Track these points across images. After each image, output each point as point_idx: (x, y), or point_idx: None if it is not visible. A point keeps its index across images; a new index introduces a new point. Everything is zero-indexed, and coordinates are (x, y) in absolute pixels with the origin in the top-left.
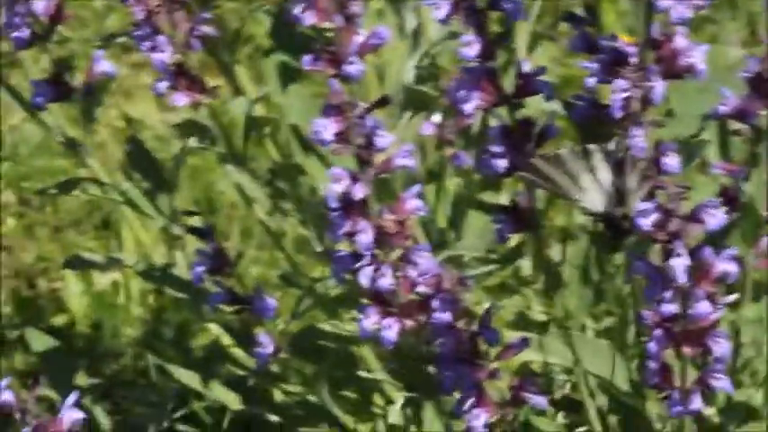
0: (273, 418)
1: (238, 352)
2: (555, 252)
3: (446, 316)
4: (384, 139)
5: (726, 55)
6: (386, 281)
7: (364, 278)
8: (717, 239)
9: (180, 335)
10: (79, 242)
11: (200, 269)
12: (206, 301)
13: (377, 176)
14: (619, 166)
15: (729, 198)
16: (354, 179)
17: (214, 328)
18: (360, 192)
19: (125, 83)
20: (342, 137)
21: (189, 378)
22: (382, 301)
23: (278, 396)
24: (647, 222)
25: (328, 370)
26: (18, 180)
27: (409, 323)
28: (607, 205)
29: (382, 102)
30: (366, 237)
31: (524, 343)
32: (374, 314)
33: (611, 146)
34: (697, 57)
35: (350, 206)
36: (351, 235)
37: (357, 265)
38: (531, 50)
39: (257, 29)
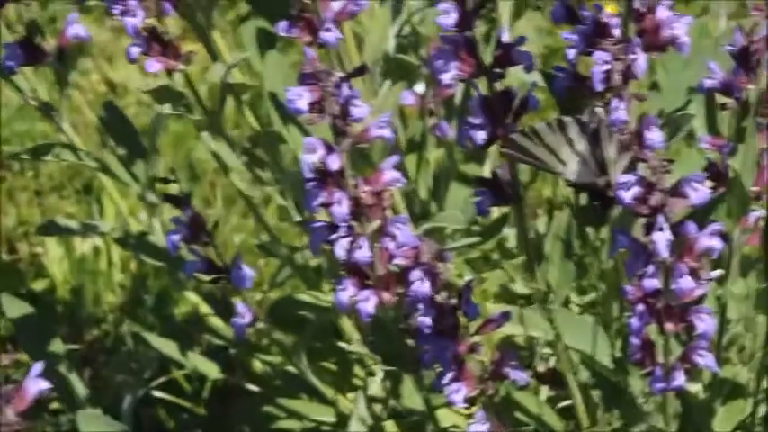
0: (253, 387)
1: (217, 321)
2: (541, 224)
3: (424, 289)
4: (360, 108)
5: (712, 27)
6: (362, 253)
7: (340, 250)
8: (702, 215)
9: (161, 302)
10: (60, 207)
11: (176, 237)
12: (182, 270)
13: (353, 147)
14: (595, 136)
15: (716, 173)
16: (329, 149)
17: (193, 297)
18: (335, 162)
19: (108, 48)
20: (317, 106)
21: (167, 347)
22: (359, 273)
23: (258, 366)
24: (627, 195)
25: (307, 341)
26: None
27: (387, 296)
28: (589, 175)
29: (360, 71)
30: (341, 208)
31: (505, 317)
32: (351, 286)
33: (585, 117)
34: (680, 29)
35: (325, 177)
36: (326, 206)
37: (333, 236)
38: (515, 20)
39: None
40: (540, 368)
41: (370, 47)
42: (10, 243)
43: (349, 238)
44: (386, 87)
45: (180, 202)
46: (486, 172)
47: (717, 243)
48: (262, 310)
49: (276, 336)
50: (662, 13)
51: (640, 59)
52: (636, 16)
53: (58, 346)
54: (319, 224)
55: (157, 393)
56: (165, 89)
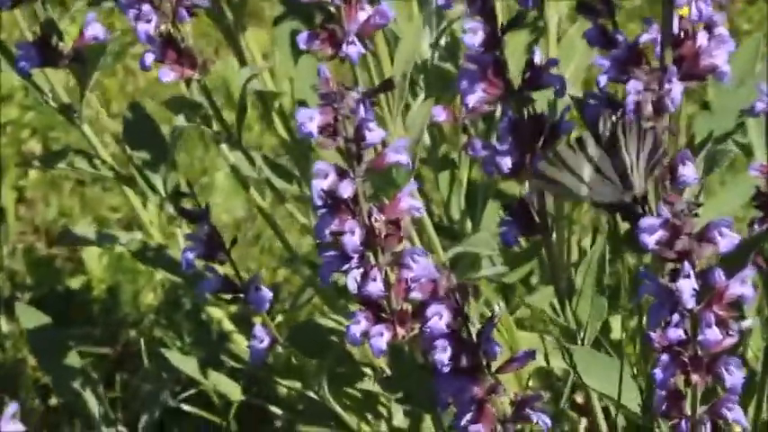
0: (277, 411)
1: (241, 339)
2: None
3: (441, 325)
4: (374, 133)
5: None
6: (375, 286)
7: (352, 282)
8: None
9: (198, 307)
10: (103, 199)
11: (191, 255)
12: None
13: (367, 173)
14: (611, 143)
15: (765, 203)
16: (342, 175)
17: (216, 312)
18: (347, 190)
19: (138, 48)
20: (329, 129)
21: (186, 365)
22: (373, 306)
23: (282, 389)
24: (651, 240)
25: (329, 367)
26: (44, 130)
27: (402, 331)
28: (612, 193)
29: (386, 85)
30: (353, 238)
31: (530, 356)
32: (364, 320)
33: (600, 127)
34: (720, 57)
35: (337, 204)
36: (338, 235)
37: (345, 266)
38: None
39: None
40: (579, 399)
41: (401, 58)
42: (49, 236)
43: (361, 270)
44: (417, 102)
45: (197, 217)
46: (523, 191)
47: (748, 291)
48: (282, 333)
49: (296, 361)
50: (702, 39)
51: (675, 90)
52: (674, 42)
53: (73, 359)
54: (331, 253)
55: (186, 407)
56: (181, 99)
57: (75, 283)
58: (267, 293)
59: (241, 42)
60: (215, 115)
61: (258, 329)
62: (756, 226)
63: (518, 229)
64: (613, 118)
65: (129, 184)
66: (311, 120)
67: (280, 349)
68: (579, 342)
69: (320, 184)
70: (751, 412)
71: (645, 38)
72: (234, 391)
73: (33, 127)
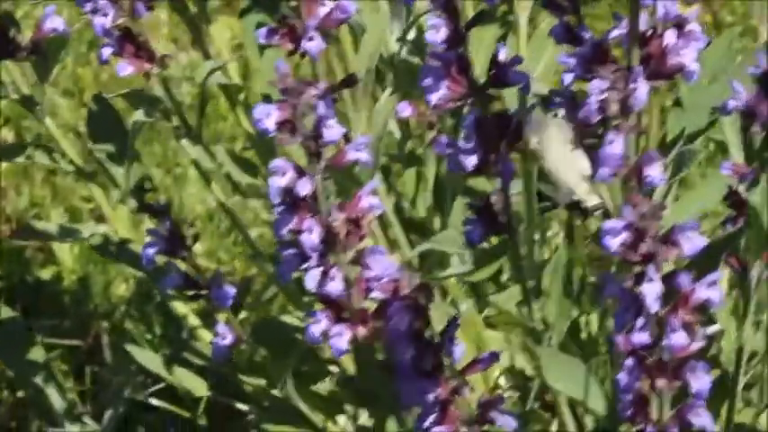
0: (243, 407)
1: (207, 334)
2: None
3: (403, 325)
4: (332, 130)
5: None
6: (334, 285)
7: (311, 281)
8: (719, 251)
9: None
10: (75, 189)
11: (152, 251)
12: (159, 285)
13: (327, 170)
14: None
15: (737, 202)
16: (300, 173)
17: (181, 308)
18: (305, 187)
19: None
20: (288, 125)
21: (150, 361)
22: (334, 305)
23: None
24: (615, 242)
25: (293, 365)
26: (17, 119)
27: (362, 331)
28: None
29: (349, 81)
30: (312, 236)
31: (494, 357)
32: (324, 319)
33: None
34: (688, 56)
35: (295, 202)
36: (296, 233)
37: (304, 266)
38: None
39: None
40: (549, 397)
41: (366, 52)
42: (20, 225)
43: (321, 269)
44: (383, 98)
45: (158, 212)
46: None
47: (715, 294)
48: (245, 331)
49: (260, 358)
50: (670, 37)
51: (640, 90)
52: (641, 40)
53: (37, 353)
54: (290, 252)
55: (154, 401)
56: (139, 93)
57: (45, 273)
58: (230, 290)
59: (204, 35)
60: (175, 109)
61: (221, 326)
62: (729, 225)
63: (483, 228)
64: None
65: (90, 179)
66: (268, 116)
67: (243, 347)
68: (546, 343)
69: (278, 182)
70: (723, 415)
71: (613, 34)
72: (199, 388)
73: (6, 116)
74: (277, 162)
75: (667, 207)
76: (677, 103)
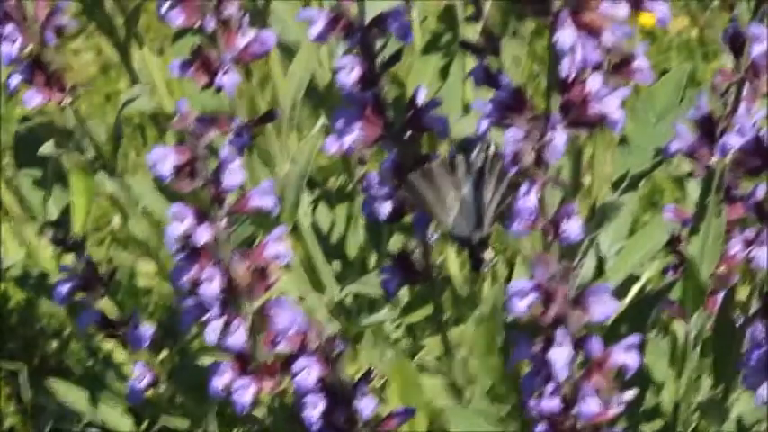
0: None
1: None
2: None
3: (310, 381)
4: (233, 177)
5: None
6: (236, 338)
7: (211, 333)
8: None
9: None
10: None
11: (65, 287)
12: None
13: (229, 216)
14: (480, 176)
15: (678, 249)
16: (200, 219)
17: (107, 343)
18: (203, 235)
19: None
20: (186, 170)
21: (74, 397)
22: (241, 357)
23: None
24: (521, 304)
25: (215, 407)
26: None
27: (269, 385)
28: (466, 226)
29: (267, 117)
30: (211, 286)
31: (409, 413)
32: (228, 371)
33: (473, 156)
34: (611, 105)
35: (195, 250)
36: (195, 283)
37: (205, 317)
38: None
39: None
40: None
41: (293, 83)
42: None
43: (222, 320)
44: (311, 135)
45: (72, 247)
46: None
47: (632, 360)
48: (165, 371)
49: (181, 400)
50: (593, 83)
51: (558, 139)
52: (561, 86)
53: None
54: (191, 302)
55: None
56: (49, 125)
57: None
58: (146, 331)
59: (132, 59)
60: (90, 142)
61: (138, 367)
62: (670, 272)
63: (400, 277)
64: (487, 150)
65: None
66: (165, 159)
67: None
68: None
69: (176, 229)
70: None
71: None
72: (123, 425)
73: None
74: (175, 207)
75: (578, 268)
76: (623, 140)
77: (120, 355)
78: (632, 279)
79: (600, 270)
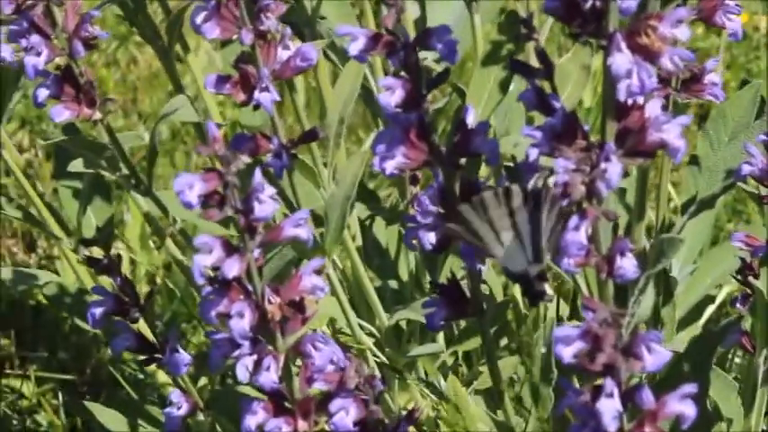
0: None
1: None
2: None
3: (347, 421)
4: (265, 206)
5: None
6: (268, 376)
7: (242, 370)
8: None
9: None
10: None
11: (98, 311)
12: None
13: (263, 247)
14: (536, 207)
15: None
16: (229, 251)
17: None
18: (233, 268)
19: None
20: (214, 198)
21: (113, 422)
22: (273, 395)
23: None
24: (567, 352)
25: None
26: (32, 120)
27: (303, 426)
28: (520, 261)
29: (310, 136)
30: (242, 322)
31: None
32: (261, 410)
33: (530, 184)
34: (671, 132)
35: (225, 283)
36: (225, 317)
37: (235, 353)
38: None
39: None
40: None
41: (339, 100)
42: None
43: (254, 357)
44: (359, 152)
45: (105, 268)
46: None
47: (689, 409)
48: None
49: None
50: (652, 108)
51: (612, 170)
52: (617, 112)
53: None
54: (221, 337)
55: None
56: (81, 139)
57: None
58: (184, 357)
59: (174, 67)
60: (121, 158)
61: (175, 394)
62: (738, 304)
63: (447, 310)
64: (545, 179)
65: (40, 227)
66: (191, 188)
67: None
68: None
69: (203, 261)
70: None
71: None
72: None
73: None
74: (202, 238)
75: (634, 308)
76: (693, 160)
77: (163, 375)
78: (706, 300)
79: (668, 293)
